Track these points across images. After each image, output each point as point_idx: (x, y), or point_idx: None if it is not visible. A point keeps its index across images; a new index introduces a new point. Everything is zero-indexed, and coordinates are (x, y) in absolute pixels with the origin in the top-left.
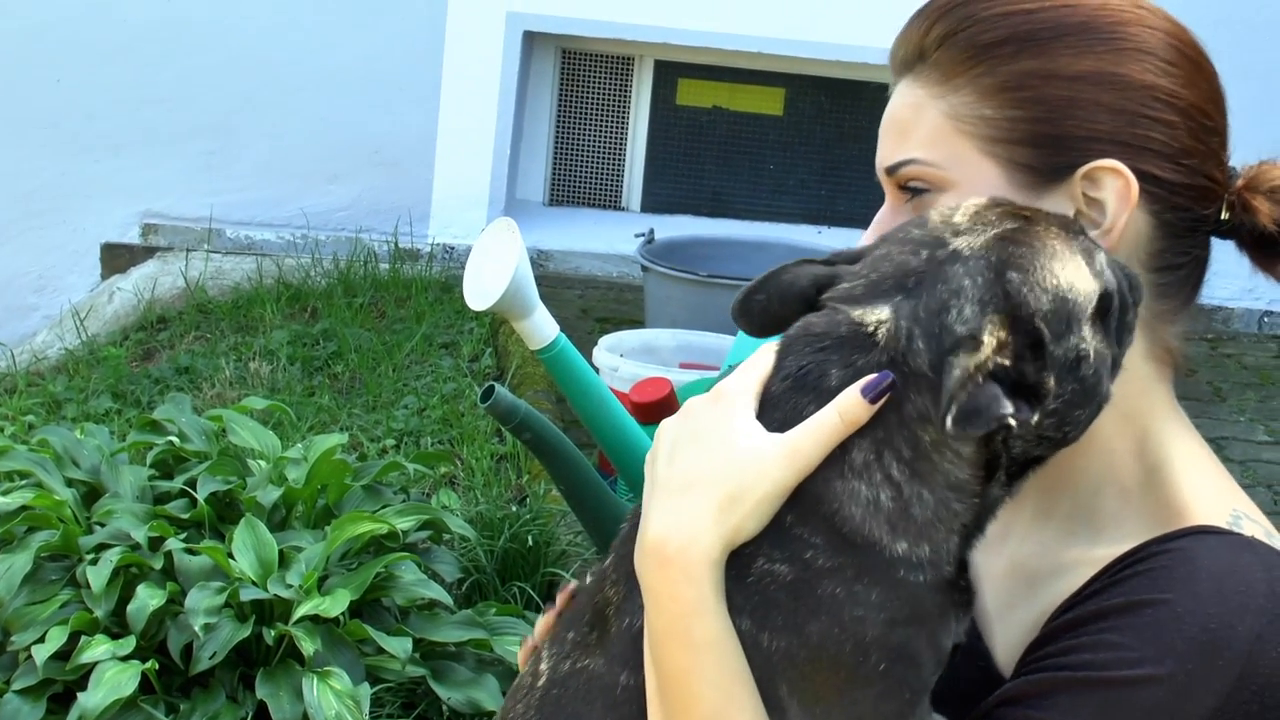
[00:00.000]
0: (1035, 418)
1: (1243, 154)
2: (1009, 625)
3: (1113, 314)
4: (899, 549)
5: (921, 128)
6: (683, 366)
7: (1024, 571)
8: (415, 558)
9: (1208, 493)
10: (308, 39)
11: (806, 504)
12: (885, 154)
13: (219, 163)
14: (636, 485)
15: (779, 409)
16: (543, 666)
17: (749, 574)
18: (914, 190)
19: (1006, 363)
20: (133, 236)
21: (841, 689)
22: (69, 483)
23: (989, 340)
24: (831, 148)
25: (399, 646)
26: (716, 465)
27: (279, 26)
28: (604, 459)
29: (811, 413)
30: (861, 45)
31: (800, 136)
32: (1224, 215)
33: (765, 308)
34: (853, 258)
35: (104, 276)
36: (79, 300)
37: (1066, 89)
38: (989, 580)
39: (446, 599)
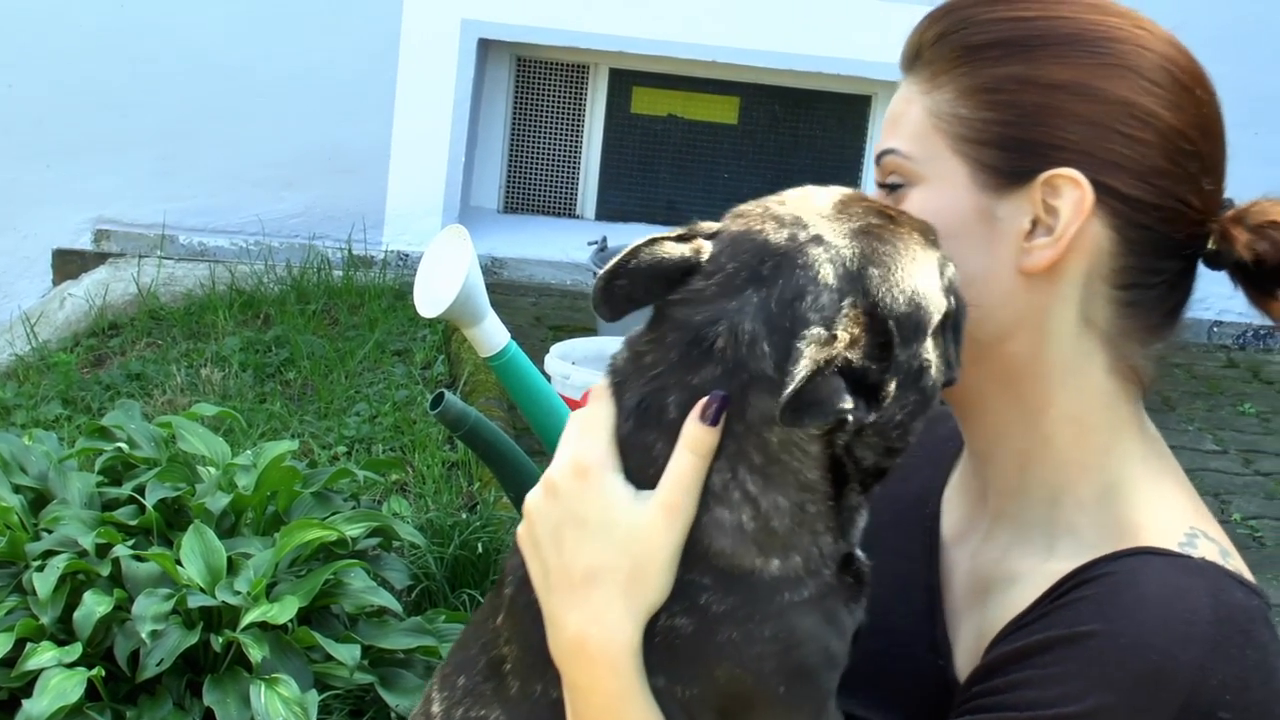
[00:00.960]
0: (872, 417)
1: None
2: (965, 628)
3: (949, 333)
4: (773, 568)
5: (907, 122)
6: None
7: (980, 576)
8: (364, 565)
9: (1164, 511)
10: (262, 45)
11: (689, 550)
12: (880, 143)
13: (172, 169)
14: None
15: (632, 456)
16: (435, 709)
17: (655, 633)
18: (890, 186)
19: (854, 359)
20: (85, 243)
21: (746, 713)
22: (16, 489)
23: (843, 335)
24: (785, 156)
25: (347, 654)
26: (608, 550)
27: (233, 32)
28: None
29: (662, 450)
30: (816, 55)
31: (754, 145)
32: (1210, 244)
33: (628, 294)
34: (709, 234)
35: (55, 283)
36: (30, 306)
37: (1041, 96)
38: (955, 575)
39: (396, 606)
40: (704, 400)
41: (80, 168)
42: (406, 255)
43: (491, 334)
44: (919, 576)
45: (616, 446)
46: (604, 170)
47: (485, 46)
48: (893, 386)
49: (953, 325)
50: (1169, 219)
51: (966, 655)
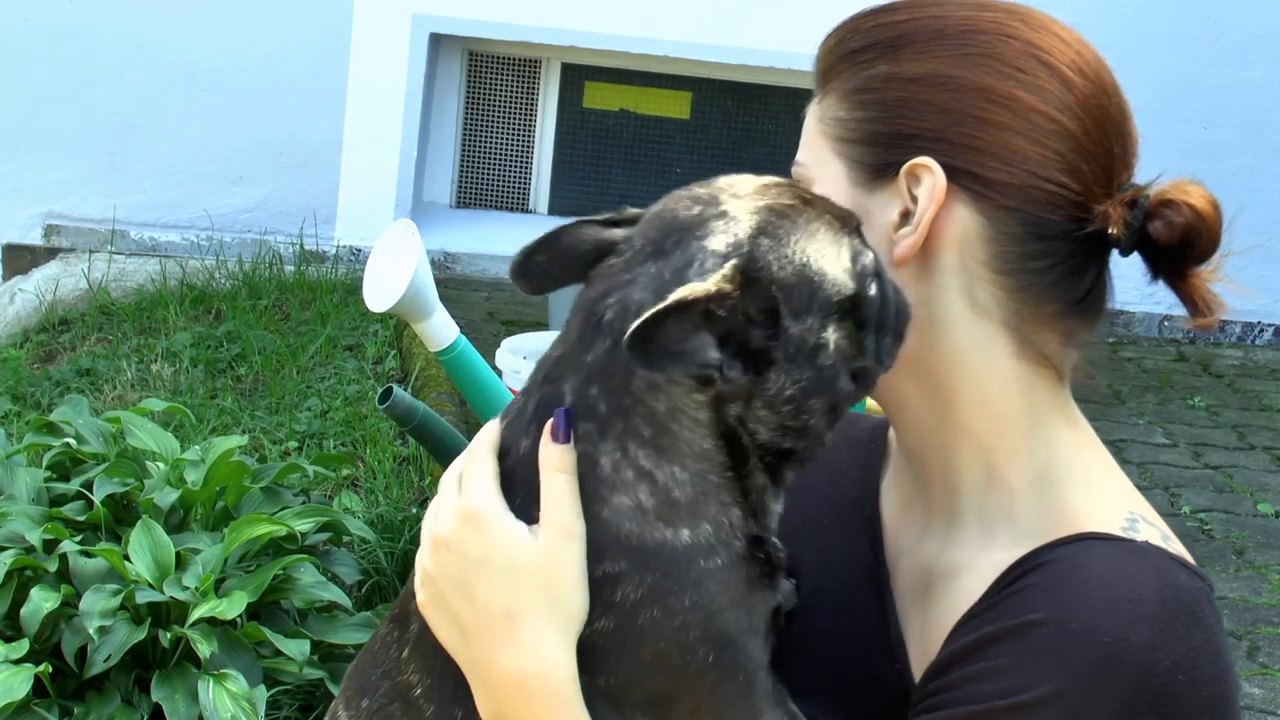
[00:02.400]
0: (742, 378)
1: None
2: (913, 626)
3: (868, 324)
4: (684, 538)
5: (805, 131)
6: None
7: (922, 571)
8: (314, 560)
9: (1103, 497)
10: (212, 38)
11: (599, 543)
12: None
13: (122, 163)
14: None
15: (532, 474)
16: None
17: (579, 642)
18: None
19: (722, 311)
20: (35, 237)
21: (676, 691)
22: None
23: (710, 286)
24: (738, 151)
25: (297, 649)
26: (520, 586)
27: (183, 25)
28: None
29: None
30: (768, 49)
31: (706, 140)
32: (1090, 227)
33: (546, 270)
34: (636, 218)
35: (5, 278)
36: None
37: (903, 90)
38: (899, 573)
39: (345, 601)
40: (549, 423)
41: (29, 162)
42: (358, 250)
43: (440, 329)
44: (867, 577)
45: (498, 487)
46: (556, 165)
47: (437, 41)
48: (779, 356)
49: (876, 319)
50: (1037, 201)
51: (918, 652)
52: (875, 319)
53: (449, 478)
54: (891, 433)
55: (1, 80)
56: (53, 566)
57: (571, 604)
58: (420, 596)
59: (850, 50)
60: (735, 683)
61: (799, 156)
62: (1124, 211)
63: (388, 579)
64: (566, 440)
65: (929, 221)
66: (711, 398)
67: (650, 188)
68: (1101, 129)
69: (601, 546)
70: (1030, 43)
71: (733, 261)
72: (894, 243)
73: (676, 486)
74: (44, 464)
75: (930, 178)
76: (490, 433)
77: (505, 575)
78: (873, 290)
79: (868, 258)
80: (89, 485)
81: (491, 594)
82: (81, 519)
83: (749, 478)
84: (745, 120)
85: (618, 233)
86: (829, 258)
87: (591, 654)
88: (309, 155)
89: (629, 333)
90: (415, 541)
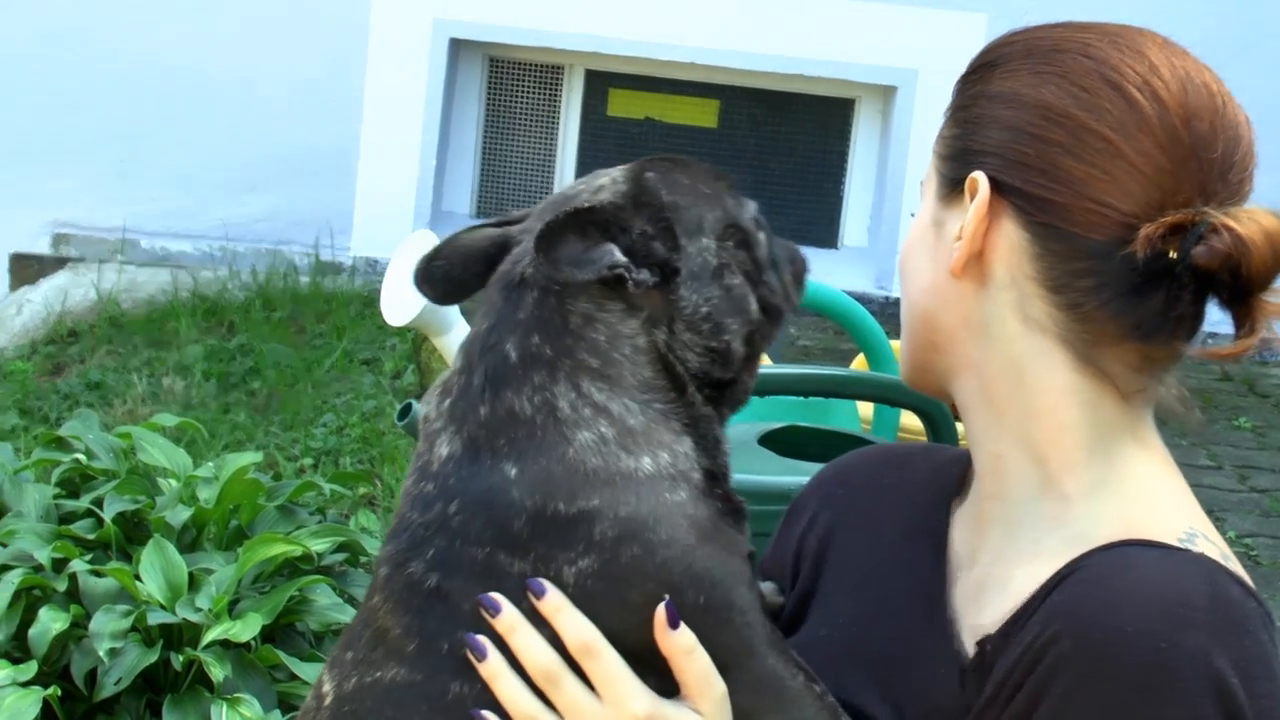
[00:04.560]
0: (649, 281)
1: None
2: (966, 635)
3: (763, 261)
4: (645, 465)
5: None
6: None
7: (976, 582)
8: (331, 581)
9: (1162, 511)
10: (227, 44)
11: (569, 484)
12: None
13: (133, 171)
14: None
15: (502, 433)
16: (326, 689)
17: (566, 585)
18: None
19: (625, 227)
20: (43, 247)
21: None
22: None
23: (603, 196)
24: (766, 161)
25: (313, 673)
26: None
27: (197, 31)
28: None
29: (518, 403)
30: (797, 56)
31: (734, 149)
32: (1129, 249)
33: (447, 273)
34: (524, 215)
35: (12, 288)
36: None
37: (982, 108)
38: (959, 584)
39: None
40: (662, 614)
41: (38, 169)
42: (375, 261)
43: (461, 343)
44: (925, 590)
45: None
46: (580, 174)
47: (457, 46)
48: (684, 270)
49: (768, 255)
50: (1079, 219)
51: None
52: (768, 255)
53: (553, 670)
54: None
55: (9, 86)
56: (62, 586)
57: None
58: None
59: (966, 70)
60: (732, 627)
61: (925, 172)
62: (1159, 235)
63: None
64: (678, 625)
65: (973, 235)
66: (642, 321)
67: None
68: (1166, 151)
69: (572, 486)
70: (1103, 62)
71: (625, 187)
72: (950, 254)
73: (630, 415)
74: (53, 480)
75: (979, 192)
76: (585, 628)
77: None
78: (760, 233)
79: (751, 204)
80: (99, 502)
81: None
82: (91, 537)
83: (692, 406)
84: (774, 129)
85: (513, 229)
86: (712, 190)
87: (582, 598)
88: (325, 163)
89: (535, 239)
90: None
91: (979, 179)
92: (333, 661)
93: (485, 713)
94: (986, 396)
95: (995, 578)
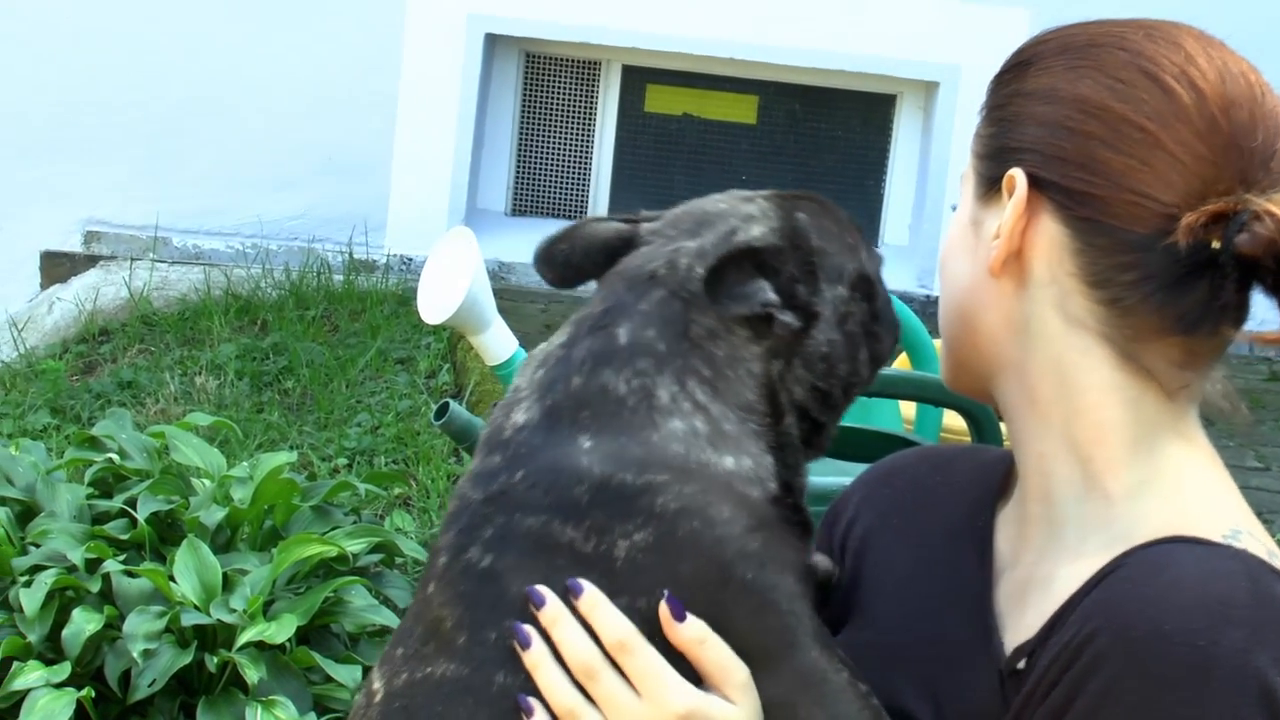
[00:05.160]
0: (795, 322)
1: None
2: (1010, 636)
3: (880, 314)
4: (726, 463)
5: None
6: None
7: (1019, 582)
8: (366, 582)
9: (1206, 509)
10: (260, 39)
11: (644, 458)
12: None
13: (166, 168)
14: None
15: (594, 405)
16: (376, 685)
17: (615, 560)
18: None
19: (778, 268)
20: (74, 244)
21: (714, 618)
22: (2, 501)
23: (760, 235)
24: (806, 158)
25: (348, 675)
26: None
27: (230, 26)
28: None
29: (614, 381)
30: (838, 51)
31: (773, 146)
32: (1170, 239)
33: (568, 258)
34: (653, 217)
35: (43, 286)
36: (16, 311)
37: (1018, 105)
38: (1003, 585)
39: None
40: (665, 610)
41: (69, 166)
42: (410, 259)
43: (498, 342)
44: (970, 591)
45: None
46: (616, 172)
47: (492, 42)
48: (821, 311)
49: (882, 312)
50: (1119, 212)
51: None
52: (885, 315)
53: (592, 664)
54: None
55: (41, 82)
56: (95, 587)
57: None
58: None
59: (1000, 70)
60: (777, 612)
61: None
62: (1200, 224)
63: None
64: (684, 617)
65: (1011, 232)
66: (764, 350)
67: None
68: (1205, 140)
69: (645, 461)
70: (1139, 53)
71: (777, 224)
72: (988, 253)
73: (726, 421)
74: (86, 480)
75: (1014, 187)
76: (622, 624)
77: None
78: (876, 278)
79: (879, 257)
80: (132, 503)
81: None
82: (125, 538)
83: (784, 434)
84: (814, 125)
85: (642, 227)
86: (853, 240)
87: (628, 572)
88: (359, 160)
89: (705, 273)
90: None
91: (1016, 175)
92: (384, 658)
93: (530, 699)
94: (1029, 397)
95: (1038, 578)
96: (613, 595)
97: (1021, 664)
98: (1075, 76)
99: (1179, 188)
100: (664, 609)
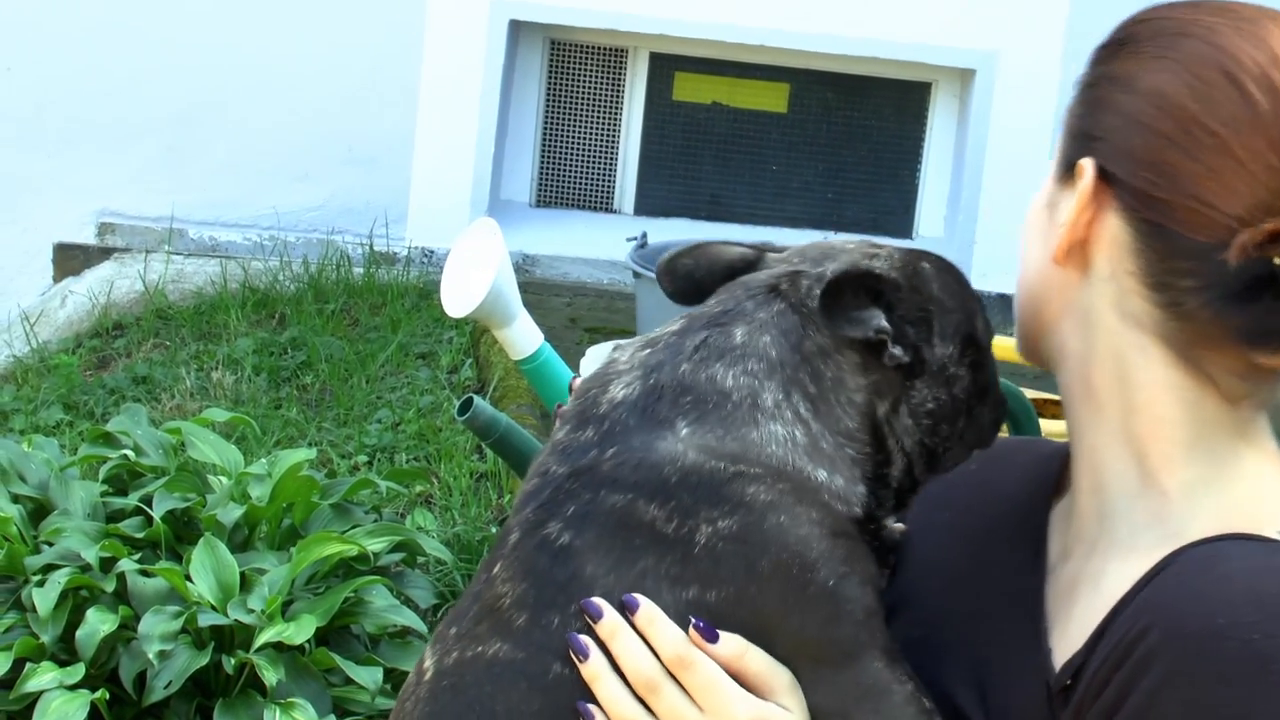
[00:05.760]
0: (904, 356)
1: None
2: (1059, 632)
3: (987, 387)
4: (820, 475)
5: None
6: None
7: (1070, 578)
8: (387, 581)
9: (1266, 506)
10: (279, 26)
11: (739, 453)
12: None
13: (181, 158)
14: None
15: (693, 391)
16: (426, 664)
17: (695, 545)
18: None
19: (894, 303)
20: (88, 236)
21: (785, 618)
22: (15, 499)
23: (881, 266)
24: (838, 148)
25: (369, 677)
26: None
27: (245, 11)
28: None
29: (723, 375)
30: (872, 38)
31: (805, 135)
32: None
33: (690, 273)
34: (780, 249)
35: (56, 279)
36: (29, 305)
37: (1103, 89)
38: (1056, 583)
39: (420, 626)
40: (695, 632)
41: (83, 157)
42: (432, 251)
43: (523, 336)
44: (1021, 586)
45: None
46: (643, 162)
47: (516, 28)
48: (930, 363)
49: (987, 389)
50: (1184, 219)
51: (1060, 657)
52: (990, 389)
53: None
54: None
55: (53, 71)
56: (110, 586)
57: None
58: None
59: (1102, 43)
60: (851, 621)
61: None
62: (1256, 243)
63: None
64: (716, 638)
65: (1075, 223)
66: (870, 383)
67: (744, 186)
68: (1277, 150)
69: (740, 455)
70: (1223, 49)
71: (899, 264)
72: (1055, 239)
73: (824, 440)
74: (100, 477)
75: (1083, 177)
76: (680, 641)
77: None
78: (990, 359)
79: (992, 330)
80: (148, 500)
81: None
82: (140, 536)
83: (883, 472)
84: (847, 114)
85: (769, 254)
86: (973, 305)
87: (706, 560)
88: (379, 150)
89: (823, 288)
90: None
91: (1085, 166)
92: (436, 637)
93: (591, 707)
94: (1086, 388)
95: (1088, 575)
96: (685, 583)
97: (1069, 680)
98: (1158, 67)
99: (1245, 199)
100: (694, 634)
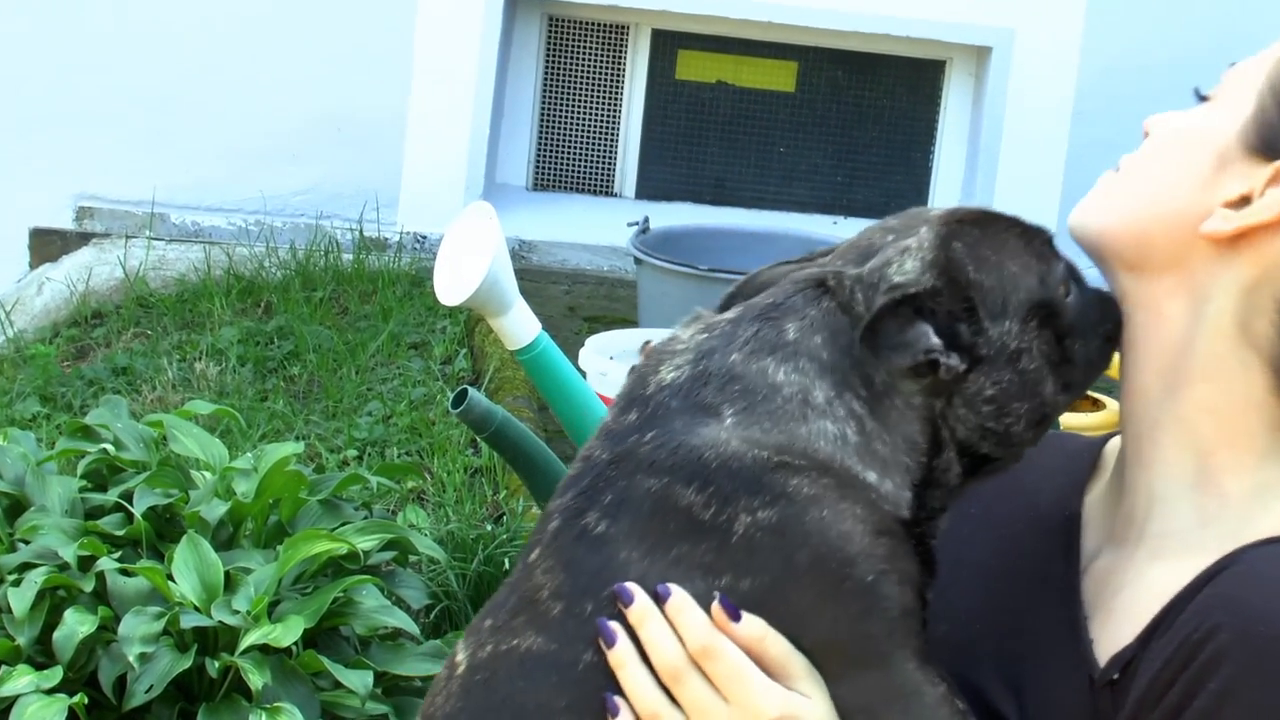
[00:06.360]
0: (961, 367)
1: None
2: (1097, 625)
3: (1071, 331)
4: (870, 477)
5: (1246, 63)
6: None
7: (1107, 573)
8: (378, 581)
9: None
10: (265, 2)
11: (776, 447)
12: None
13: (163, 139)
14: None
15: (743, 388)
16: (459, 657)
17: (732, 535)
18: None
19: (930, 304)
20: (65, 221)
21: (818, 613)
22: None
23: (920, 280)
24: (848, 129)
25: (358, 680)
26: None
27: None
28: None
29: (774, 370)
30: (883, 14)
31: (813, 116)
32: None
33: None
34: (826, 252)
35: (33, 265)
36: (4, 292)
37: None
38: (1092, 575)
39: (412, 627)
40: (718, 609)
41: (59, 137)
42: (424, 237)
43: (520, 325)
44: (1057, 582)
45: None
46: (645, 143)
47: (513, 3)
48: (986, 352)
49: (1076, 325)
50: None
51: (1101, 650)
52: (1076, 325)
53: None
54: (1106, 449)
55: (31, 48)
56: (89, 586)
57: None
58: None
59: None
60: (885, 620)
61: (1215, 90)
62: None
63: (459, 603)
64: (739, 617)
65: (1248, 226)
66: (924, 386)
67: (750, 169)
68: None
69: (786, 447)
70: None
71: (931, 257)
72: (1211, 214)
73: (879, 441)
74: (79, 472)
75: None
76: (707, 631)
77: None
78: (1070, 296)
79: (1061, 270)
80: (128, 496)
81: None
82: (120, 533)
83: (939, 471)
84: (857, 93)
85: (820, 260)
86: (1020, 265)
87: (743, 550)
88: (370, 132)
89: (860, 333)
90: (489, 561)
91: None
92: (470, 629)
93: (617, 699)
94: (1168, 365)
95: (1131, 567)
96: (718, 571)
97: (1116, 675)
98: None
99: None
100: (717, 610)
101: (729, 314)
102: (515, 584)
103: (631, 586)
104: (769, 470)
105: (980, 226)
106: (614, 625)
